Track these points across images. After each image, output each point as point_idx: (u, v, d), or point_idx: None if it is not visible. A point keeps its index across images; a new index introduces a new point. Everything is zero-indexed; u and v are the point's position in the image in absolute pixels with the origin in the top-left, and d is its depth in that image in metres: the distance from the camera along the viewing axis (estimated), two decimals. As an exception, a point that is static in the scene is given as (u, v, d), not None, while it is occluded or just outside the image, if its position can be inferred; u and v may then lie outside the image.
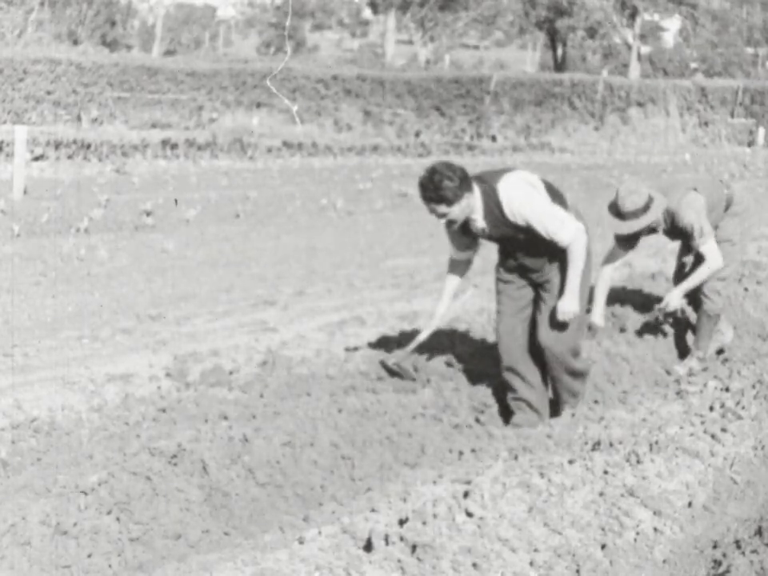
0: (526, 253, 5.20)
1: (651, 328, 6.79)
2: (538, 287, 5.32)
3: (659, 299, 6.70)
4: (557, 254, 5.13)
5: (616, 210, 6.13)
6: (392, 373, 5.64)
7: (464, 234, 5.24)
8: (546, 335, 5.25)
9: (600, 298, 6.42)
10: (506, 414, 5.42)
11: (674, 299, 6.32)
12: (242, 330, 6.88)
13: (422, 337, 5.51)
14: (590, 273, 5.29)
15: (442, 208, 4.92)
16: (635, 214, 6.06)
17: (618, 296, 7.54)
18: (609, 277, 6.49)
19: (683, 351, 6.68)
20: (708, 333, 6.53)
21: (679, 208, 6.23)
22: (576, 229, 5.00)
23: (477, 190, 5.01)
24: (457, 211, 4.95)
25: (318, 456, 4.70)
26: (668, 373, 6.40)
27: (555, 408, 5.45)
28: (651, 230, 6.33)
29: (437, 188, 4.86)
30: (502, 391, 5.55)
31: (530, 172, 5.19)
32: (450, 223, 5.04)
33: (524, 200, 4.97)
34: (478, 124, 34.04)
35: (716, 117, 34.17)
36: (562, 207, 5.06)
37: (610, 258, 6.50)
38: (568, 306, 5.12)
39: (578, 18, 47.26)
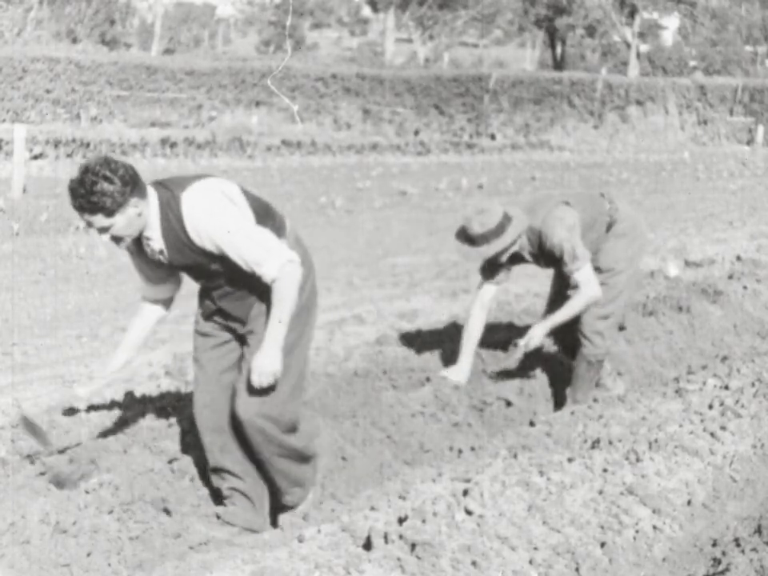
0: (225, 292, 3.94)
1: (510, 371, 5.53)
2: (243, 341, 4.00)
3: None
4: (267, 294, 3.84)
5: (465, 235, 5.08)
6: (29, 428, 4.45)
7: (153, 260, 3.95)
8: (243, 405, 3.93)
9: (468, 349, 5.33)
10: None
11: (537, 335, 5.18)
12: (242, 329, 6.87)
13: (81, 393, 4.15)
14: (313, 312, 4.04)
15: (100, 219, 3.69)
16: (486, 238, 5.01)
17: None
18: (480, 321, 5.36)
19: (559, 403, 5.57)
20: (587, 383, 5.43)
21: (545, 225, 5.12)
22: (286, 260, 3.74)
23: (154, 197, 3.79)
24: (122, 224, 3.72)
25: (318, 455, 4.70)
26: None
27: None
28: (515, 256, 5.23)
29: (90, 192, 3.65)
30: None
31: (231, 181, 3.95)
32: (116, 240, 3.80)
33: (215, 217, 3.74)
34: (477, 122, 34.02)
35: (715, 115, 34.15)
36: (272, 230, 3.85)
37: (479, 296, 5.40)
38: (267, 363, 3.80)
39: (577, 17, 47.23)
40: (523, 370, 5.59)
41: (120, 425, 4.68)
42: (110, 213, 3.68)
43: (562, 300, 5.31)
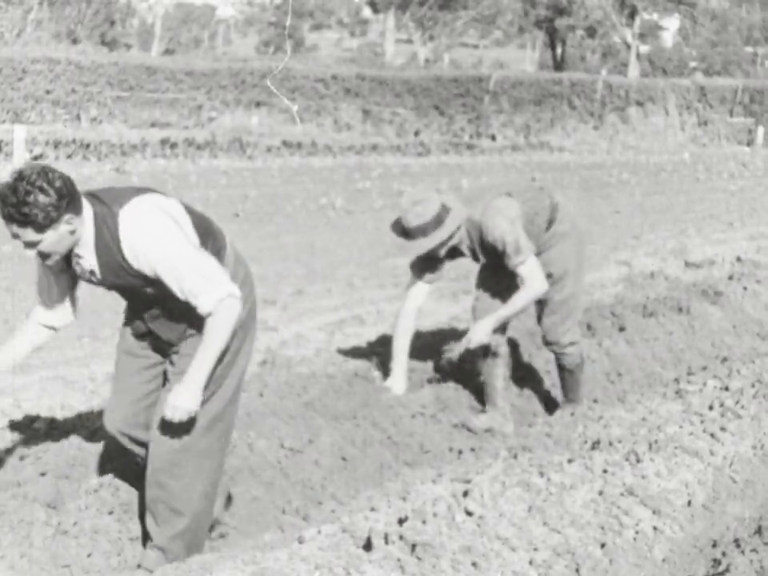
0: (157, 314, 3.60)
1: (448, 370, 5.40)
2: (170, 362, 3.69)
3: None
4: (203, 319, 3.48)
5: (400, 228, 4.80)
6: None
7: (62, 272, 3.61)
8: (155, 433, 3.62)
9: (401, 355, 5.13)
10: None
11: (479, 333, 4.91)
12: (242, 330, 6.87)
13: None
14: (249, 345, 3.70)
15: (29, 234, 3.31)
16: (423, 231, 4.71)
17: (616, 296, 7.54)
18: (411, 322, 5.13)
19: (549, 405, 5.50)
20: (577, 384, 5.32)
21: (486, 217, 4.81)
22: (226, 294, 3.40)
23: (89, 212, 3.42)
24: (52, 240, 3.35)
25: (318, 455, 4.71)
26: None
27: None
28: (454, 250, 4.95)
29: (22, 202, 3.25)
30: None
31: (175, 199, 3.55)
32: (42, 257, 3.43)
33: (156, 240, 3.38)
34: (477, 123, 34.02)
35: (715, 116, 34.15)
36: (213, 251, 3.52)
37: (410, 298, 5.12)
38: (183, 400, 3.45)
39: (577, 18, 47.23)
40: (459, 370, 5.42)
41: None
42: (40, 228, 3.30)
43: (491, 294, 5.09)
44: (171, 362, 3.65)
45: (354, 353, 6.06)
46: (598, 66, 48.07)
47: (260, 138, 26.23)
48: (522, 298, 4.90)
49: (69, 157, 19.70)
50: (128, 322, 3.72)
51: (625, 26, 45.76)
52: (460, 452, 4.87)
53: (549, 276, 4.97)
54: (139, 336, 3.69)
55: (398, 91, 34.47)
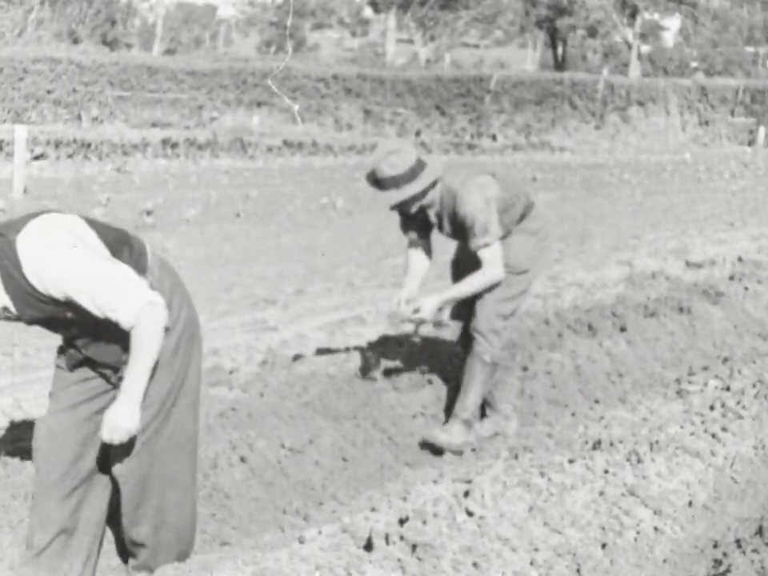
0: (89, 340, 3.38)
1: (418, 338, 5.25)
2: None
3: None
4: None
5: (373, 177, 4.57)
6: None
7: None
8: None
9: (411, 283, 4.94)
10: None
11: (428, 306, 4.70)
12: (243, 329, 6.89)
13: None
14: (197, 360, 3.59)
15: None
16: (396, 182, 4.49)
17: (617, 296, 7.54)
18: (420, 258, 4.96)
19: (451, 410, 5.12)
20: (479, 386, 4.89)
21: (464, 188, 4.59)
22: (146, 302, 3.19)
23: None
24: None
25: (319, 455, 4.70)
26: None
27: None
28: (423, 212, 4.74)
29: None
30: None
31: (74, 215, 3.35)
32: None
33: (56, 260, 3.16)
34: (478, 123, 34.03)
35: (716, 116, 34.16)
36: (130, 262, 3.31)
37: (410, 252, 5.01)
38: (119, 419, 3.24)
39: (578, 17, 47.25)
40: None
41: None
42: None
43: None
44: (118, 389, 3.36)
45: (355, 352, 6.06)
46: (599, 66, 48.08)
47: (261, 137, 26.26)
48: (477, 281, 4.68)
49: (70, 156, 19.73)
50: (63, 352, 3.48)
51: (626, 26, 45.77)
52: (461, 452, 4.86)
53: (505, 265, 4.77)
54: (76, 366, 3.44)
55: (399, 91, 34.48)
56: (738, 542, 3.19)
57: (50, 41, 33.05)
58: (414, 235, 4.93)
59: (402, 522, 3.08)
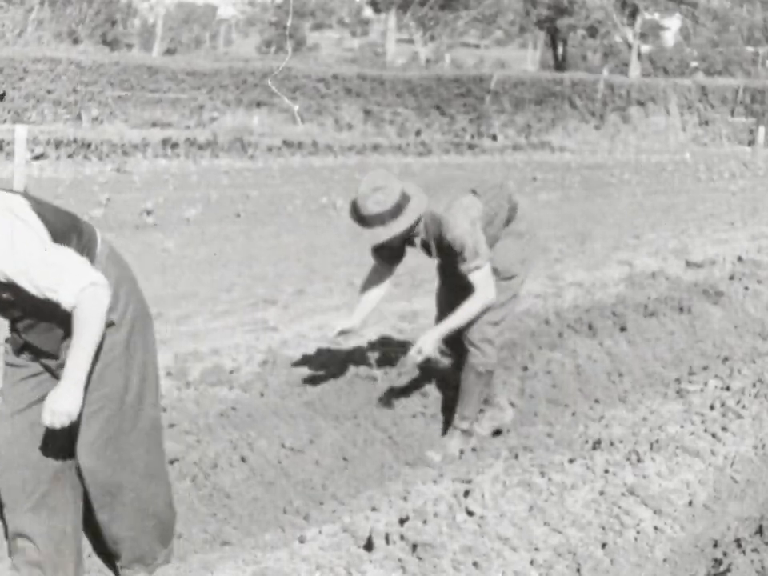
0: (29, 324, 3.31)
1: (400, 388, 5.27)
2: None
3: None
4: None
5: (357, 214, 4.50)
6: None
7: None
8: (80, 449, 3.39)
9: (356, 315, 4.89)
10: None
11: (428, 344, 4.66)
12: (243, 329, 6.88)
13: None
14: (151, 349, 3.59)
15: None
16: (381, 219, 4.43)
17: (617, 296, 7.55)
18: (375, 291, 4.91)
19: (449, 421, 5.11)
20: (476, 397, 4.89)
21: (449, 214, 4.55)
22: (88, 283, 3.11)
23: None
24: None
25: (319, 455, 4.71)
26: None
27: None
28: (408, 240, 4.70)
29: None
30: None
31: (19, 194, 3.26)
32: None
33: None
34: (478, 123, 34.02)
35: (716, 116, 34.16)
36: (77, 248, 3.24)
37: (370, 278, 4.93)
38: (61, 402, 3.15)
39: (578, 17, 47.25)
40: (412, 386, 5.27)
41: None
42: None
43: (451, 302, 4.81)
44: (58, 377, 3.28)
45: (355, 353, 6.06)
46: (599, 66, 48.12)
47: (261, 137, 26.26)
48: (472, 307, 4.65)
49: (70, 156, 19.73)
50: (10, 336, 3.41)
51: (626, 26, 45.77)
52: (461, 451, 4.87)
53: (494, 271, 4.73)
54: (20, 350, 3.38)
55: (399, 91, 34.47)
56: (737, 541, 3.19)
57: (49, 41, 33.05)
58: (381, 261, 4.90)
59: (402, 521, 3.09)
